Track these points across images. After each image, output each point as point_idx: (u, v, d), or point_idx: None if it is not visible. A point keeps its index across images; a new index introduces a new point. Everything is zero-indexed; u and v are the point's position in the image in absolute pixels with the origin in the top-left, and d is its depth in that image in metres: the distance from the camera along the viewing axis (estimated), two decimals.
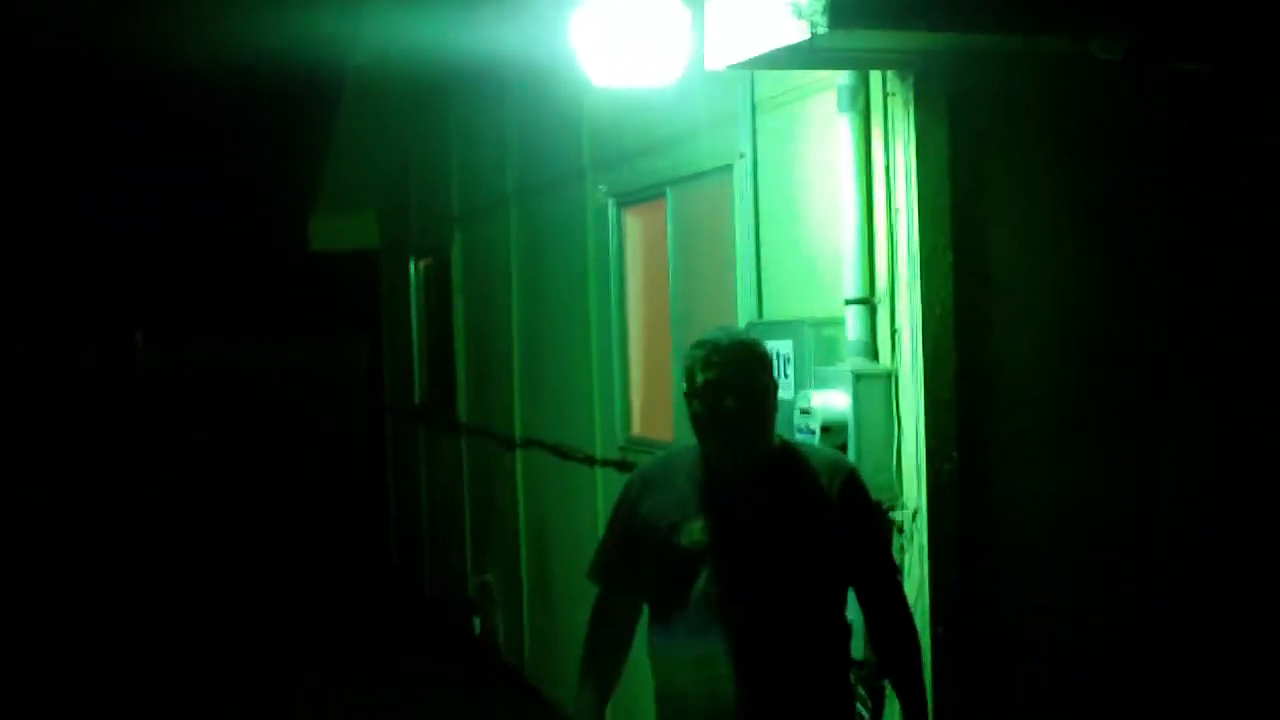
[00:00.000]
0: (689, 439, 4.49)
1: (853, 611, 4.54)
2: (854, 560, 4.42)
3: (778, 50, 4.70)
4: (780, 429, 5.33)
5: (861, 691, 5.17)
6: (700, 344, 4.37)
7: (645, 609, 4.53)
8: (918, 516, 5.12)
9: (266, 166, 15.82)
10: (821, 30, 4.41)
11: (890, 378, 5.27)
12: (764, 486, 4.35)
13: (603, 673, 4.55)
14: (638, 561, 4.43)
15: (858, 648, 4.73)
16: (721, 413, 4.26)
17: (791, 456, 4.45)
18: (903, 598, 4.56)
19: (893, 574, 4.56)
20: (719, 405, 4.25)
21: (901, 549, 5.18)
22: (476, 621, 11.37)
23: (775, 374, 5.56)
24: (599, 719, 4.50)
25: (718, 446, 4.34)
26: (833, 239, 5.60)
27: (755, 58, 4.90)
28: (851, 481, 4.45)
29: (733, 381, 4.25)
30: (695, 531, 4.30)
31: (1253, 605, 5.43)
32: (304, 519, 16.87)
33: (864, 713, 5.16)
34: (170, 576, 14.91)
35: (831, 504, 4.35)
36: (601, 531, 4.73)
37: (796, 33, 4.52)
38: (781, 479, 4.38)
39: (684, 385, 4.35)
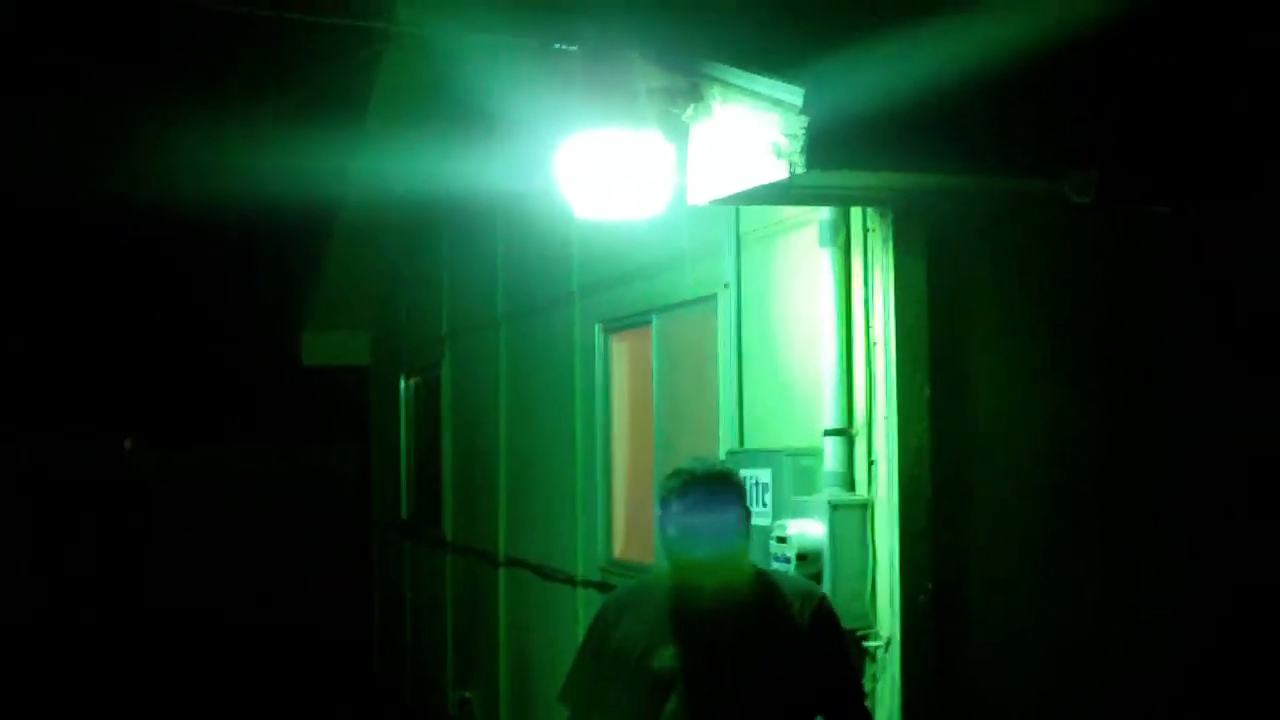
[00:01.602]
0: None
1: None
2: (824, 687, 4.47)
3: (759, 187, 4.83)
4: (756, 556, 5.41)
5: None
6: (676, 473, 4.46)
7: None
8: (890, 646, 5.17)
9: (262, 287, 16.00)
10: (800, 170, 4.53)
11: (866, 508, 5.35)
12: (736, 613, 4.41)
13: None
14: (609, 686, 4.47)
15: None
16: (695, 541, 4.34)
17: (763, 584, 4.51)
18: None
19: (861, 701, 4.63)
20: (693, 534, 4.34)
21: (874, 678, 5.23)
22: None
23: (753, 502, 5.68)
24: None
25: (691, 573, 4.42)
26: (813, 370, 5.70)
27: (736, 194, 5.04)
28: (822, 609, 4.52)
29: (707, 511, 4.34)
30: (667, 657, 4.35)
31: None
32: (290, 624, 16.85)
33: None
34: (154, 677, 14.88)
35: (803, 631, 4.42)
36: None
37: (777, 171, 4.65)
38: (754, 606, 4.44)
39: (659, 512, 4.44)
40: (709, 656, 4.36)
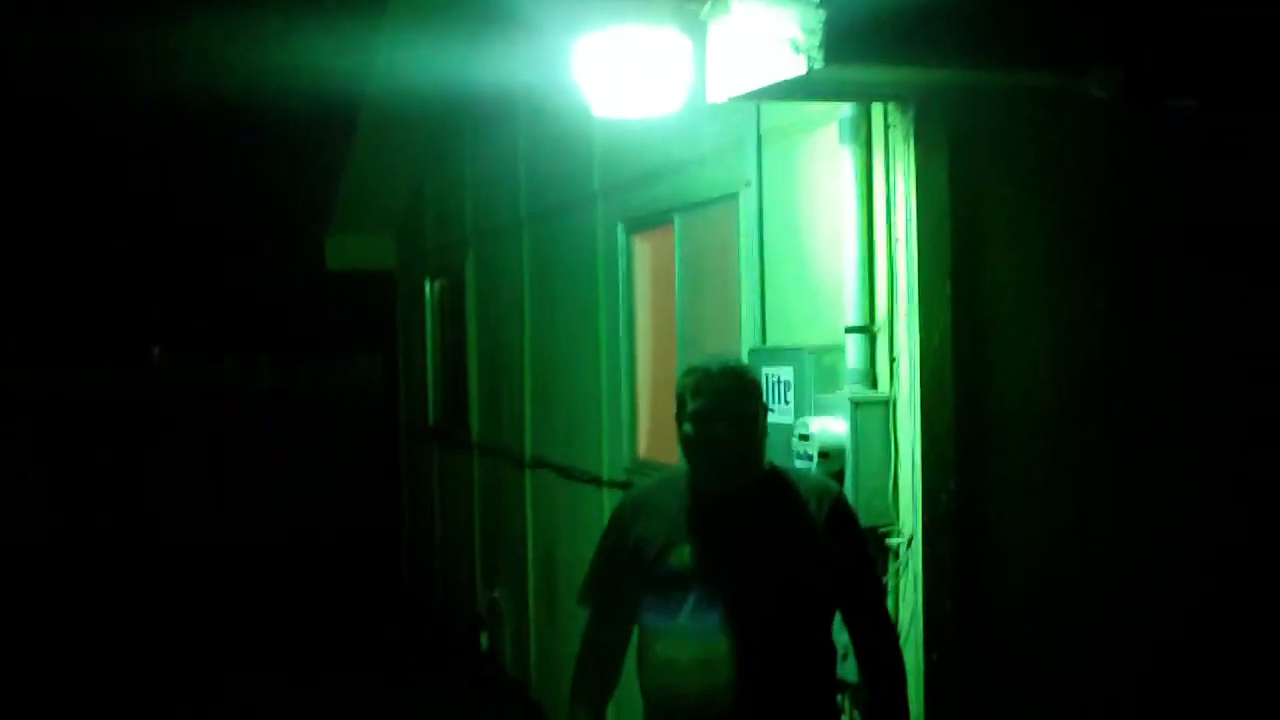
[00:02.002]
0: None
1: (842, 634, 4.61)
2: (841, 584, 4.48)
3: (777, 83, 4.78)
4: (779, 454, 5.42)
5: (855, 714, 5.25)
6: (691, 371, 4.47)
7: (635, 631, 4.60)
8: (913, 543, 5.19)
9: (284, 188, 15.92)
10: (818, 65, 4.49)
11: (888, 405, 5.34)
12: (752, 511, 4.43)
13: (593, 698, 4.62)
14: (628, 585, 4.50)
15: (850, 670, 4.79)
16: (712, 439, 4.35)
17: (780, 481, 4.52)
18: (889, 621, 4.65)
19: (880, 598, 4.65)
20: (709, 431, 4.34)
21: (896, 574, 5.25)
22: (484, 637, 11.44)
23: (776, 400, 5.68)
24: None
25: (707, 471, 4.43)
26: (835, 268, 5.68)
27: (755, 90, 4.99)
28: (839, 506, 4.51)
29: (723, 408, 4.34)
30: (684, 555, 4.37)
31: (1242, 629, 5.49)
32: (319, 533, 17.03)
33: None
34: (185, 590, 15.01)
35: (819, 528, 4.42)
36: None
37: (795, 67, 4.60)
38: (770, 503, 4.45)
39: (675, 410, 4.44)
40: (726, 553, 4.38)
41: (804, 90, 4.95)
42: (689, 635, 4.34)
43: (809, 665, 4.45)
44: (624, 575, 4.51)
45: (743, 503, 4.43)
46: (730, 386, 4.38)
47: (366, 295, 15.83)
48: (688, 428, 4.40)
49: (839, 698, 4.83)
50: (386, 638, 12.85)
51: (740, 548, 4.39)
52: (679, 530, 4.41)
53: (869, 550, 4.75)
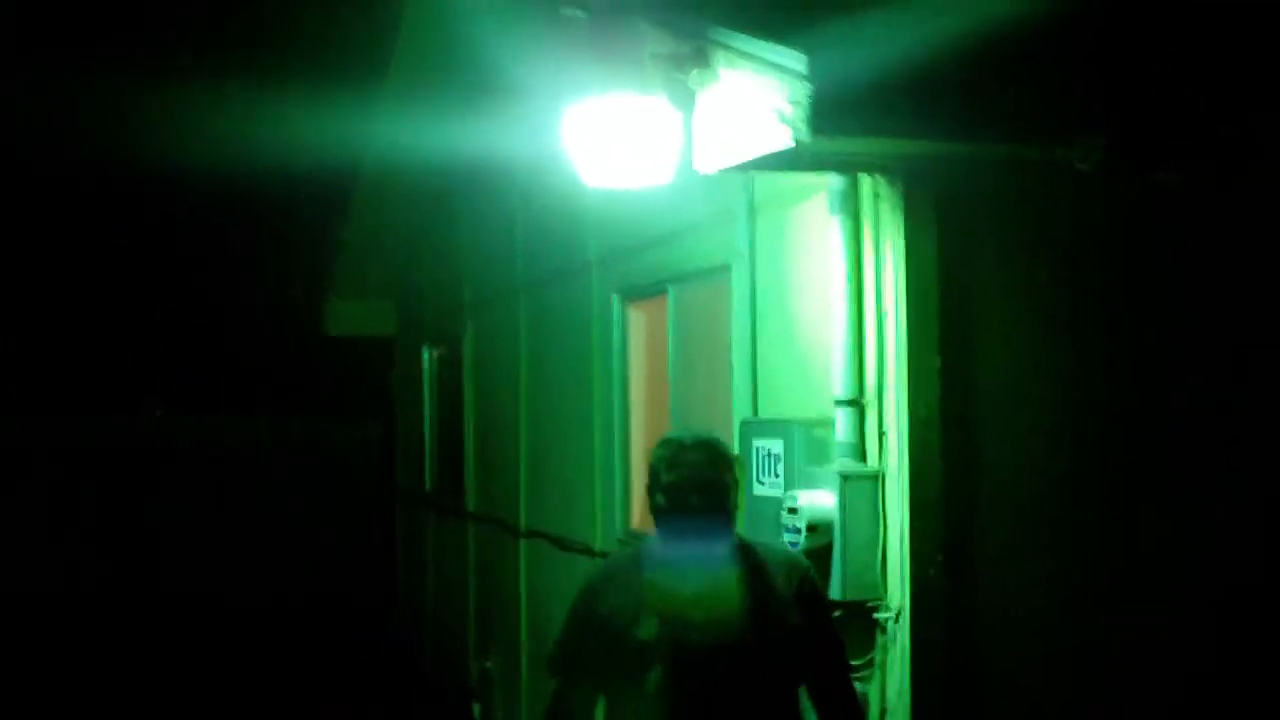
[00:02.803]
0: None
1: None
2: (809, 660, 4.46)
3: (763, 155, 4.78)
4: (767, 527, 5.39)
5: None
6: (665, 443, 4.46)
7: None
8: (900, 617, 5.13)
9: (283, 253, 16.00)
10: (804, 137, 4.48)
11: (877, 479, 5.30)
12: (722, 584, 4.38)
13: None
14: (595, 656, 4.46)
15: None
16: (685, 510, 4.31)
17: (750, 553, 4.49)
18: (856, 702, 4.63)
19: (847, 677, 4.62)
20: (683, 503, 4.31)
21: (883, 649, 5.19)
22: (477, 708, 11.35)
23: (766, 473, 5.65)
24: None
25: (679, 542, 4.38)
26: (825, 340, 5.64)
27: (745, 162, 4.99)
28: (808, 581, 4.51)
29: (697, 480, 4.31)
30: (651, 627, 4.33)
31: (1246, 697, 5.42)
32: (315, 596, 16.90)
33: None
34: (173, 646, 14.93)
35: (788, 602, 4.40)
36: None
37: (782, 138, 4.60)
38: (739, 576, 4.41)
39: (649, 481, 4.41)
40: (693, 627, 4.33)
41: (790, 162, 4.95)
42: (655, 708, 4.29)
43: None
44: (592, 645, 4.47)
45: (712, 575, 4.39)
46: (705, 459, 4.35)
47: (366, 361, 15.84)
48: (660, 499, 4.36)
49: None
50: (376, 708, 12.73)
51: (708, 621, 4.34)
52: (647, 602, 4.38)
53: (836, 629, 4.73)
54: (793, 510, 5.39)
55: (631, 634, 4.34)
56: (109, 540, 17.12)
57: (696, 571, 4.39)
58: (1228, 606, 5.40)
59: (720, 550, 4.42)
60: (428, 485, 13.64)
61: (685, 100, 5.35)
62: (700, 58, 5.22)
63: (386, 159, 12.30)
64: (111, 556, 17.04)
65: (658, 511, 4.40)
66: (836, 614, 4.95)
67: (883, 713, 5.19)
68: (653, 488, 4.39)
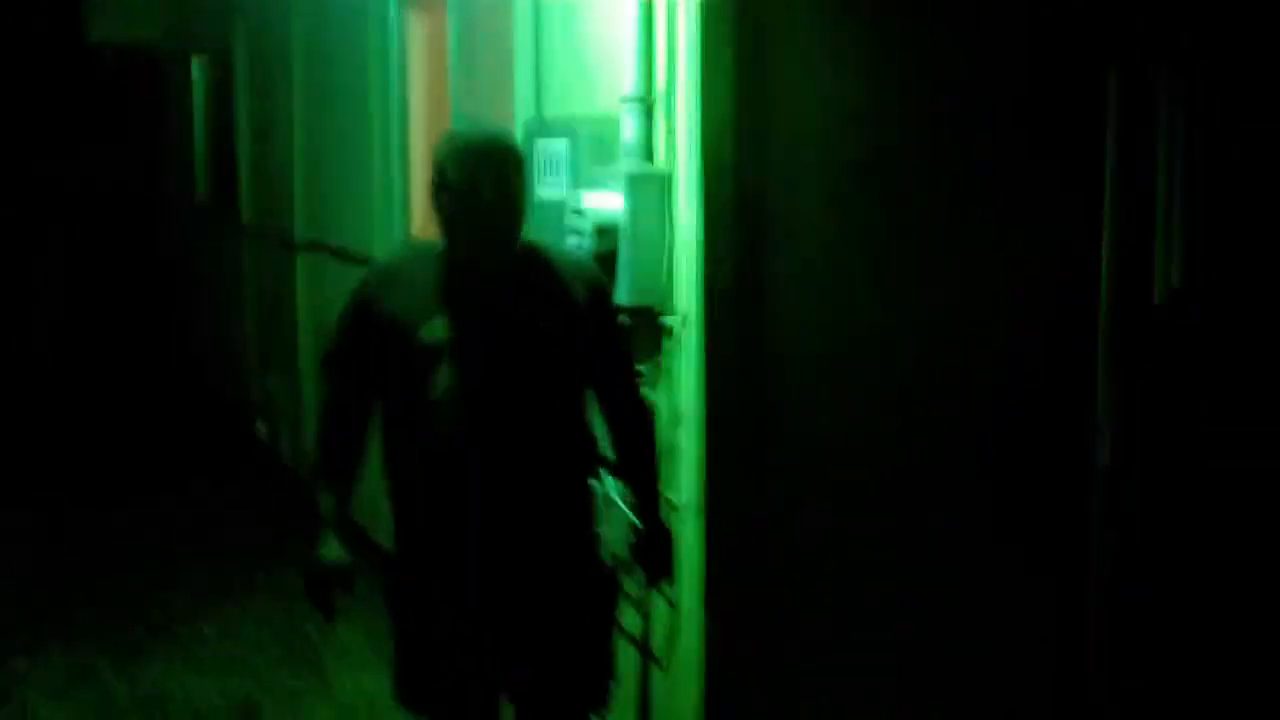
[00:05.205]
0: None
1: None
2: (595, 361, 4.36)
3: None
4: (552, 231, 5.20)
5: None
6: (451, 138, 4.21)
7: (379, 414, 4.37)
8: (688, 323, 5.01)
9: None
10: None
11: (665, 180, 5.11)
12: (510, 284, 4.22)
13: (340, 469, 4.40)
14: (374, 356, 4.26)
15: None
16: (476, 208, 4.09)
17: (539, 257, 4.32)
18: (643, 403, 4.59)
19: (633, 377, 4.55)
20: (474, 200, 4.08)
21: (669, 354, 5.08)
22: (262, 426, 11.17)
23: (550, 173, 5.44)
24: (343, 521, 4.36)
25: (468, 242, 4.18)
26: (613, 35, 5.39)
27: None
28: (598, 283, 4.39)
29: (488, 176, 4.08)
30: (437, 328, 4.14)
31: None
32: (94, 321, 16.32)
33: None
34: None
35: (578, 305, 4.26)
36: None
37: None
38: (528, 278, 4.26)
39: (435, 179, 4.16)
40: (480, 327, 4.17)
41: None
42: (442, 412, 4.14)
43: (566, 442, 4.32)
44: (372, 346, 4.26)
45: (501, 276, 4.22)
46: (495, 154, 4.12)
47: (133, 73, 15.12)
48: (447, 197, 4.13)
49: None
50: (163, 432, 12.41)
51: (495, 321, 4.19)
52: (433, 304, 4.18)
53: (622, 330, 4.66)
54: (578, 212, 5.19)
55: (417, 336, 4.14)
56: None
57: (486, 272, 4.21)
58: (1024, 329, 5.30)
59: (510, 250, 4.23)
60: (200, 200, 13.21)
61: None
62: None
63: None
64: None
65: (443, 211, 4.16)
66: (623, 319, 4.81)
67: (676, 422, 5.10)
68: (438, 186, 4.15)
